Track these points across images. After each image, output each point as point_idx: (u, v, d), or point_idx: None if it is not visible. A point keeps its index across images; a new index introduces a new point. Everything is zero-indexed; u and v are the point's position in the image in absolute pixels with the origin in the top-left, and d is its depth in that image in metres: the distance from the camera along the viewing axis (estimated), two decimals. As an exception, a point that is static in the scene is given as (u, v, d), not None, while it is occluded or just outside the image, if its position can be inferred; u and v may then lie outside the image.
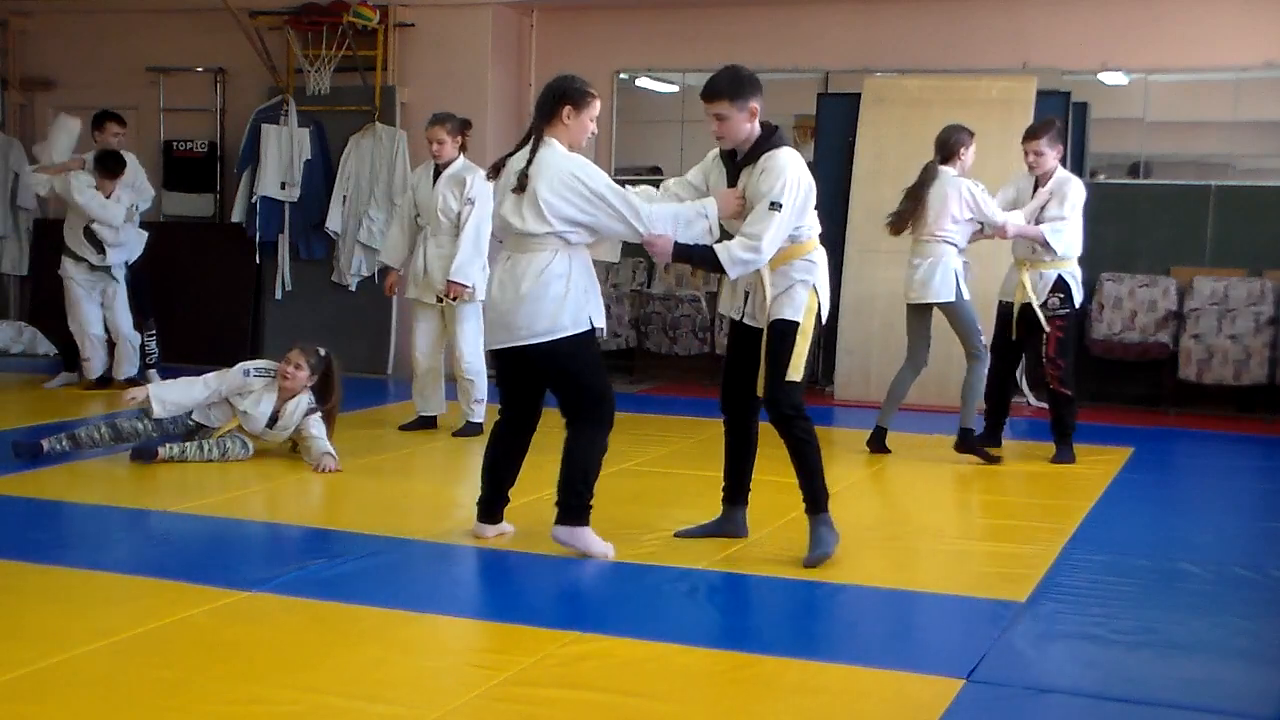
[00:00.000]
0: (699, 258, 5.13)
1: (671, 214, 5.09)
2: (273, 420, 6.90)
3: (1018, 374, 9.35)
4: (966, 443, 7.41)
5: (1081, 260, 7.57)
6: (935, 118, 9.57)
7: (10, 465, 6.68)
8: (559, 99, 5.12)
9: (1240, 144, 10.02)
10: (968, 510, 6.75)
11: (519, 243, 5.10)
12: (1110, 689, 3.96)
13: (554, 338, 5.08)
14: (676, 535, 5.50)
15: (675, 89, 11.07)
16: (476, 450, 7.52)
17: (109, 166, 9.17)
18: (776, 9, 10.50)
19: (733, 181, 5.17)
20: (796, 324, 5.13)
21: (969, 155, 7.41)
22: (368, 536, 5.49)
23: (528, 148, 5.10)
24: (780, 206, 4.95)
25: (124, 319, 9.35)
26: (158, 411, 6.83)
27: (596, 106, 5.21)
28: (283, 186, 10.70)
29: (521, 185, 5.03)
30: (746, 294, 5.26)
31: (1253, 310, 9.40)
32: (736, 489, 5.55)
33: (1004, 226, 7.32)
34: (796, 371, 5.14)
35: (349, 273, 10.71)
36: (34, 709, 3.61)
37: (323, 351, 7.03)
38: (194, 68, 11.42)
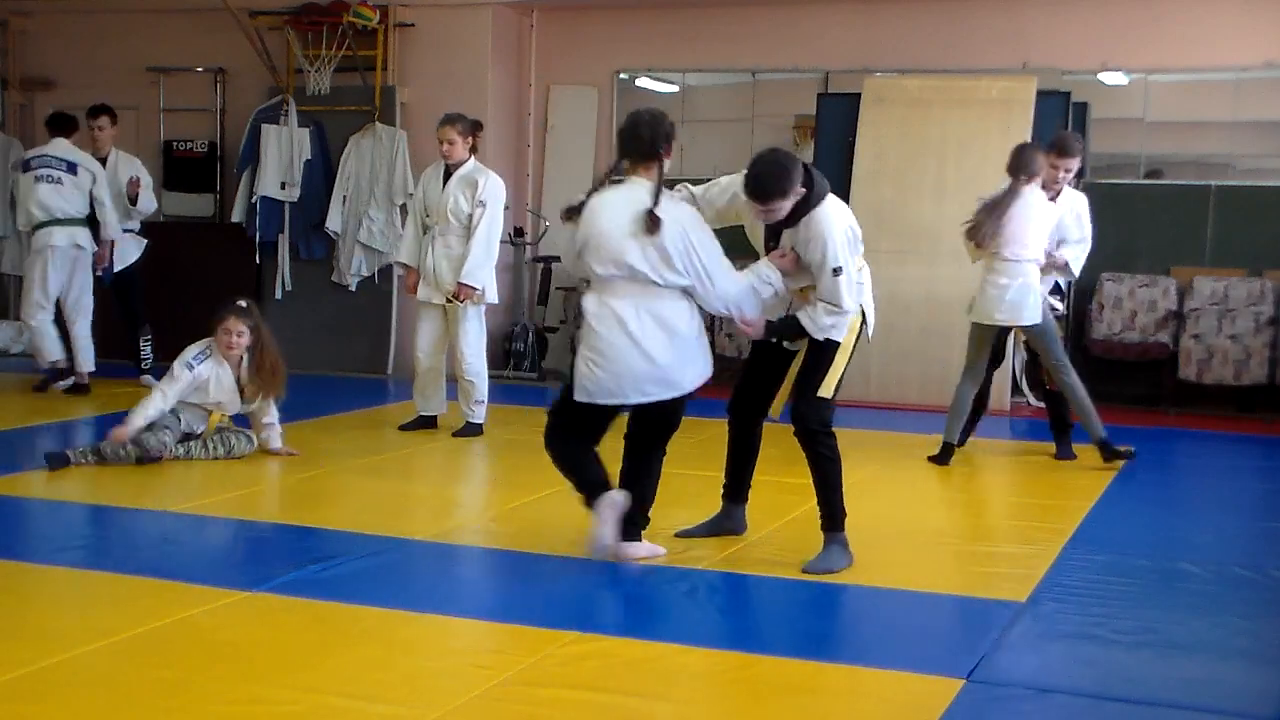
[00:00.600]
0: (787, 330, 5.17)
1: (751, 291, 5.08)
2: (241, 392, 6.94)
3: (1018, 374, 9.39)
4: (1109, 451, 7.28)
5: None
6: (935, 118, 9.63)
7: (10, 465, 6.68)
8: (665, 136, 5.10)
9: (1240, 144, 10.03)
10: (968, 510, 6.75)
11: (651, 290, 4.97)
12: (1110, 689, 3.96)
13: (699, 384, 5.10)
14: (677, 535, 5.50)
15: (675, 89, 11.05)
16: (477, 451, 7.56)
17: (48, 124, 9.35)
18: (776, 9, 10.49)
19: (772, 234, 5.16)
20: (838, 343, 5.14)
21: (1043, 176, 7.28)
22: (368, 536, 5.48)
23: (645, 189, 4.98)
24: (841, 269, 5.02)
25: (76, 316, 9.24)
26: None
27: None
28: (283, 186, 10.69)
29: (653, 226, 4.91)
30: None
31: (1253, 310, 9.41)
32: (737, 488, 5.57)
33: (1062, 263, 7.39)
34: (828, 389, 5.13)
35: (349, 273, 10.70)
36: (34, 709, 3.61)
37: (245, 303, 7.05)
38: (194, 68, 11.42)
